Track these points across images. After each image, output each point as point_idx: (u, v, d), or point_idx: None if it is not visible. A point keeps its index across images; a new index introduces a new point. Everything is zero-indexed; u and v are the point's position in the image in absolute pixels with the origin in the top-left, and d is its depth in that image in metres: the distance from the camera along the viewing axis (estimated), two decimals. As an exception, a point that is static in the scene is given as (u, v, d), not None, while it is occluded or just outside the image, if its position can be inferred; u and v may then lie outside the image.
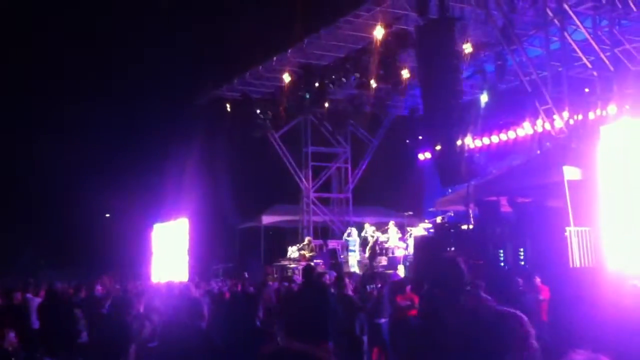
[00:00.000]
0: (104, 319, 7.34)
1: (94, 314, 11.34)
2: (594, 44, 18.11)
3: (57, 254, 32.13)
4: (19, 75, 30.66)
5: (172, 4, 28.19)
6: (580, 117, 17.84)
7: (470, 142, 19.58)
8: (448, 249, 16.93)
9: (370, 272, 19.46)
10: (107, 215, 37.43)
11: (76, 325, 11.22)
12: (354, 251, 22.80)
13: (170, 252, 27.74)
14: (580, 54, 18.19)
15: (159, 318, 7.34)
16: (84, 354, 8.93)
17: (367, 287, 13.56)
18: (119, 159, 32.00)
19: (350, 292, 11.73)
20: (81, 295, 13.76)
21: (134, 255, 29.30)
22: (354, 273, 20.67)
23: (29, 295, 13.38)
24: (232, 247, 29.34)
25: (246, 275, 23.00)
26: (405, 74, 21.00)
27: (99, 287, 15.99)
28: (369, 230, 22.72)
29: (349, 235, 23.41)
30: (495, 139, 24.35)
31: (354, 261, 22.63)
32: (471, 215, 17.70)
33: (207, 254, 27.14)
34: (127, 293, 13.04)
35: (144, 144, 31.17)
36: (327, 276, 11.84)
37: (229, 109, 26.78)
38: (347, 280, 12.86)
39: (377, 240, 22.11)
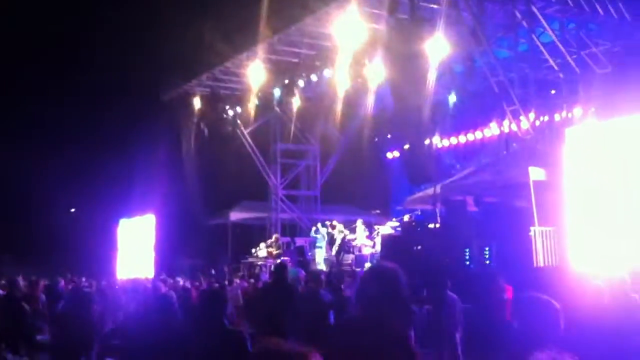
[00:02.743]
0: (65, 316, 7.21)
1: (55, 310, 11.16)
2: (560, 46, 18.36)
3: (21, 249, 31.59)
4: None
5: (140, -2, 27.90)
6: (546, 118, 18.11)
7: (438, 141, 19.78)
8: (415, 248, 17.05)
9: (337, 269, 19.50)
10: (72, 210, 36.94)
11: (36, 321, 11.03)
12: (321, 248, 22.80)
13: (136, 248, 27.50)
14: (548, 56, 18.42)
15: (123, 315, 7.26)
16: (47, 350, 8.79)
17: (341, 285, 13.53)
18: (84, 153, 31.55)
19: (321, 290, 11.71)
20: (42, 290, 13.53)
21: (100, 250, 28.94)
22: (321, 270, 20.67)
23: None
24: (199, 244, 29.13)
25: (213, 272, 22.89)
26: (375, 73, 21.03)
27: (62, 283, 15.78)
28: (338, 227, 22.74)
29: (316, 232, 23.39)
30: (462, 139, 24.62)
31: (320, 258, 22.63)
32: (438, 214, 17.83)
33: (173, 250, 26.94)
34: (89, 289, 12.87)
35: (110, 139, 30.81)
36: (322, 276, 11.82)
37: (197, 105, 26.61)
38: (322, 277, 12.86)
39: (344, 238, 22.14)
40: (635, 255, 11.09)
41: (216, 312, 5.36)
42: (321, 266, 21.79)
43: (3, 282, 14.10)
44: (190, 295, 13.73)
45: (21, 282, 13.24)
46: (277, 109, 26.71)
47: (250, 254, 24.33)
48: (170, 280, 16.94)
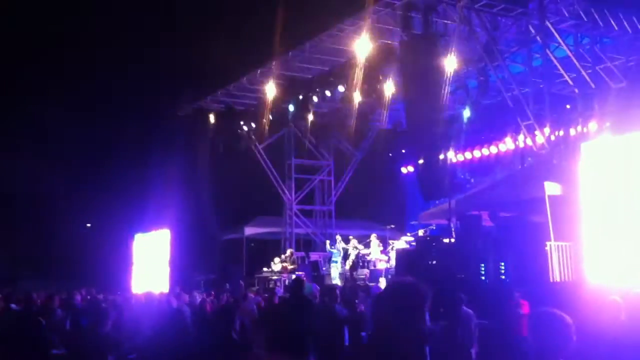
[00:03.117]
0: (80, 330, 7.25)
1: (72, 324, 11.22)
2: (575, 61, 18.32)
3: (37, 264, 31.78)
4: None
5: (156, 15, 28.18)
6: (561, 133, 18.04)
7: (452, 156, 19.71)
8: (430, 262, 16.98)
9: (351, 284, 19.44)
10: (88, 225, 37.14)
11: (51, 335, 11.09)
12: (336, 262, 22.78)
13: (151, 262, 27.55)
14: (562, 71, 18.39)
15: (138, 330, 7.29)
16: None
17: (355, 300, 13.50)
18: (100, 168, 31.78)
19: (336, 305, 11.68)
20: (57, 305, 13.60)
21: (115, 265, 29.03)
22: (336, 285, 20.64)
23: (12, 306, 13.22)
24: (214, 259, 29.17)
25: (227, 287, 22.88)
26: (389, 88, 21.09)
27: (78, 297, 15.82)
28: (352, 242, 22.72)
29: (332, 246, 23.38)
30: (477, 153, 24.56)
31: (335, 273, 22.61)
32: (453, 229, 17.77)
33: (188, 265, 26.98)
34: (104, 304, 12.92)
35: (126, 154, 31.01)
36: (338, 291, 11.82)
37: (212, 121, 26.76)
38: (337, 292, 12.84)
39: (358, 253, 22.12)
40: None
41: (225, 327, 5.40)
42: (336, 281, 21.78)
43: (19, 296, 14.17)
44: (205, 310, 13.74)
45: (36, 296, 13.36)
46: (291, 124, 26.82)
47: (265, 269, 24.34)
48: (186, 295, 16.96)
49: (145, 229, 28.45)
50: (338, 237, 23.50)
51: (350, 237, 23.31)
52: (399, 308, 3.29)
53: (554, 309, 3.62)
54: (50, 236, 31.62)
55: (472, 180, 20.30)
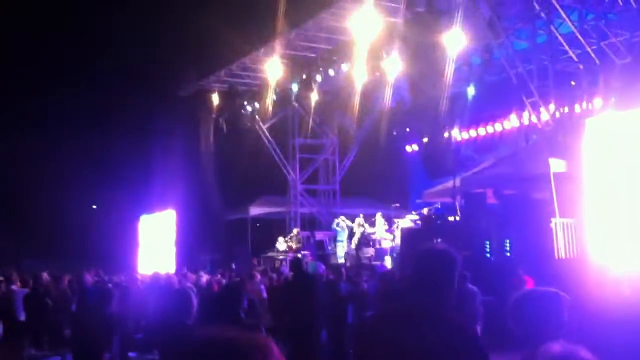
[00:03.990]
0: (87, 311, 7.32)
1: (79, 305, 11.32)
2: (580, 37, 18.18)
3: (42, 245, 31.96)
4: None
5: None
6: (566, 110, 17.94)
7: (457, 134, 19.72)
8: (435, 241, 17.02)
9: (355, 263, 19.53)
10: (94, 206, 37.27)
11: (60, 316, 11.19)
12: (342, 241, 22.84)
13: (157, 243, 27.70)
14: (567, 47, 18.26)
15: (143, 311, 7.35)
16: (68, 344, 8.92)
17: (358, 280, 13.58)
18: (104, 150, 31.85)
19: (342, 283, 11.76)
20: (65, 285, 13.71)
21: (121, 246, 29.20)
22: (342, 264, 20.73)
23: (14, 287, 13.31)
24: (219, 239, 29.29)
25: (233, 267, 23.00)
26: (392, 66, 21.00)
27: (88, 278, 15.89)
28: (357, 220, 22.76)
29: (337, 225, 23.42)
30: (482, 131, 24.48)
31: (341, 252, 22.68)
32: (457, 207, 17.80)
33: (194, 245, 27.11)
34: (110, 284, 13.01)
35: (129, 135, 31.02)
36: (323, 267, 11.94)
37: (215, 101, 26.73)
38: (342, 270, 12.93)
39: (364, 231, 22.16)
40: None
41: (233, 306, 5.42)
42: (342, 260, 21.86)
43: (25, 277, 14.27)
44: (212, 289, 13.83)
45: (45, 277, 13.45)
46: (295, 103, 26.77)
47: (271, 249, 24.42)
48: (193, 275, 17.06)
49: (150, 210, 28.58)
50: (342, 217, 23.53)
51: (359, 215, 23.37)
52: (443, 273, 3.27)
53: (544, 288, 3.54)
54: (56, 217, 31.73)
55: (476, 157, 20.27)
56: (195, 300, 5.48)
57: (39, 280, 12.51)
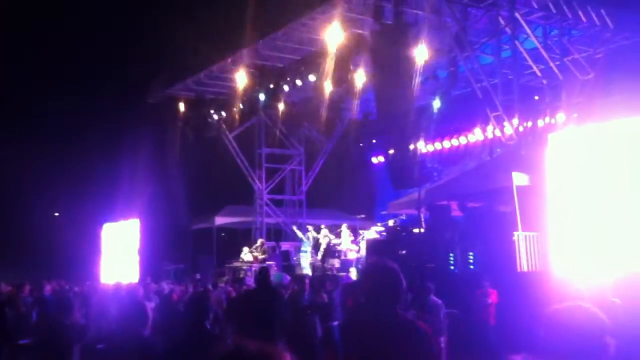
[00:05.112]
0: (46, 320, 7.19)
1: (39, 315, 11.11)
2: (544, 52, 18.51)
3: (4, 254, 31.36)
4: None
5: (127, 2, 27.84)
6: (529, 124, 18.23)
7: (422, 146, 19.87)
8: (399, 252, 17.10)
9: (320, 274, 19.49)
10: (56, 213, 36.71)
11: (19, 325, 10.97)
12: (306, 252, 22.80)
13: (120, 252, 27.35)
14: (531, 63, 18.57)
15: (105, 320, 7.23)
16: (27, 354, 8.75)
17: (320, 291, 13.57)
18: (68, 157, 31.40)
19: (306, 295, 11.73)
20: (26, 295, 13.45)
21: (83, 255, 28.77)
22: (306, 275, 20.68)
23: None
24: (184, 248, 29.06)
25: (198, 277, 22.80)
26: (360, 77, 21.11)
27: (48, 288, 15.64)
28: (322, 231, 22.75)
29: (303, 233, 23.35)
30: (447, 144, 24.74)
31: (305, 263, 22.64)
32: (422, 219, 17.90)
33: (158, 254, 26.84)
34: (68, 293, 12.80)
35: (94, 142, 30.66)
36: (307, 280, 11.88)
37: (182, 109, 26.55)
38: (306, 281, 12.88)
39: (329, 242, 22.15)
40: (617, 260, 11.19)
41: (198, 316, 5.38)
42: (307, 270, 21.80)
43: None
44: (172, 299, 13.67)
45: (3, 286, 13.18)
46: (262, 113, 26.73)
47: (236, 259, 24.28)
48: (154, 286, 16.87)
49: (114, 218, 28.22)
50: (310, 227, 23.50)
51: (322, 226, 23.35)
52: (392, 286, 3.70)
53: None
54: (17, 224, 31.19)
55: (439, 167, 20.43)
56: (150, 311, 5.43)
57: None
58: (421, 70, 18.42)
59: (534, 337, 3.58)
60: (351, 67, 20.54)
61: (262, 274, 10.31)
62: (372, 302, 3.67)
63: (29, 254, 30.04)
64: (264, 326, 9.24)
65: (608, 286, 7.46)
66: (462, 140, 24.13)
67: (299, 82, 22.51)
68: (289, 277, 18.47)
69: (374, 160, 28.51)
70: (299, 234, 23.77)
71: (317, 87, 22.16)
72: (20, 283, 14.71)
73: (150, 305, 6.06)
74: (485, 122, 20.29)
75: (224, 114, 26.06)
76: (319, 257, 22.22)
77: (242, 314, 10.17)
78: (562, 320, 3.60)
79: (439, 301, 11.52)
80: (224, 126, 26.70)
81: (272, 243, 26.45)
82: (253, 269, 22.17)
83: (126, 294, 11.11)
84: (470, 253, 15.63)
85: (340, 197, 28.62)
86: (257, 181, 28.72)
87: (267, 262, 21.74)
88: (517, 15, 17.92)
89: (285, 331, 9.57)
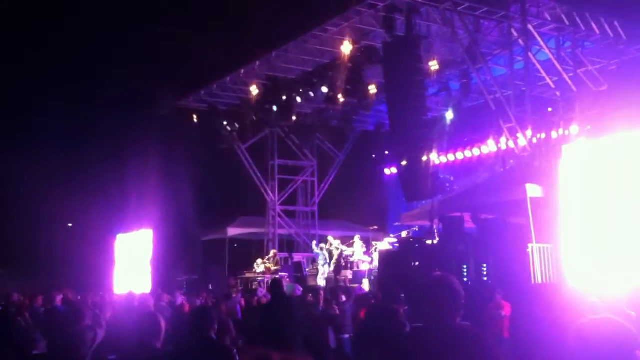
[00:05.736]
0: (58, 330, 7.21)
1: (52, 324, 11.13)
2: (557, 64, 18.46)
3: (18, 264, 31.51)
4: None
5: (138, 13, 28.00)
6: (543, 136, 18.15)
7: (435, 158, 19.79)
8: (412, 264, 17.03)
9: (332, 285, 19.45)
10: (70, 224, 36.86)
11: (32, 335, 11.00)
12: (323, 266, 22.78)
13: (133, 263, 27.42)
14: (544, 74, 18.52)
15: (117, 331, 7.24)
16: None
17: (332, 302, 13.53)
18: (82, 168, 31.54)
19: (321, 306, 11.72)
20: (39, 305, 13.51)
21: (97, 266, 28.87)
22: (321, 286, 20.65)
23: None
24: (196, 259, 29.06)
25: (210, 288, 22.81)
26: (372, 89, 21.14)
27: (58, 298, 15.68)
28: (334, 243, 22.73)
29: (317, 247, 23.32)
30: (460, 155, 24.67)
31: (320, 276, 22.62)
32: (435, 231, 17.84)
33: (171, 265, 26.85)
34: (80, 303, 12.82)
35: (108, 154, 30.79)
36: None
37: (195, 120, 26.64)
38: (321, 292, 12.87)
39: (341, 254, 22.12)
40: (631, 272, 11.09)
41: (203, 327, 5.38)
42: (321, 282, 21.78)
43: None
44: (184, 311, 13.67)
45: (16, 297, 13.24)
46: (274, 124, 26.77)
47: (248, 270, 24.28)
48: (168, 296, 16.88)
49: (127, 229, 28.31)
50: (323, 245, 23.44)
51: (329, 237, 23.30)
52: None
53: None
54: (31, 236, 31.33)
55: (452, 179, 20.37)
56: (163, 323, 5.43)
57: (9, 300, 12.31)
58: (433, 82, 18.41)
59: (550, 349, 3.56)
60: (363, 79, 20.58)
61: (276, 285, 10.30)
62: (433, 314, 3.83)
63: (43, 265, 30.18)
64: (280, 337, 9.22)
65: (623, 298, 7.41)
66: (475, 151, 24.05)
67: (311, 94, 22.55)
68: (301, 288, 18.49)
69: (387, 171, 28.47)
70: (315, 248, 23.75)
71: (330, 99, 22.20)
72: (33, 293, 14.79)
73: (166, 315, 6.06)
74: (499, 133, 20.22)
75: (236, 125, 26.13)
76: (332, 268, 22.20)
77: (258, 325, 10.16)
78: (593, 333, 3.59)
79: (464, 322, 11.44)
80: (236, 137, 26.76)
81: (285, 254, 26.44)
82: (265, 280, 22.17)
83: (138, 304, 11.11)
84: (484, 265, 15.54)
85: (352, 209, 28.57)
86: (269, 192, 28.74)
87: (280, 274, 21.74)
88: (529, 27, 17.89)
89: (301, 342, 9.56)
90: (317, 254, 23.11)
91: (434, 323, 3.79)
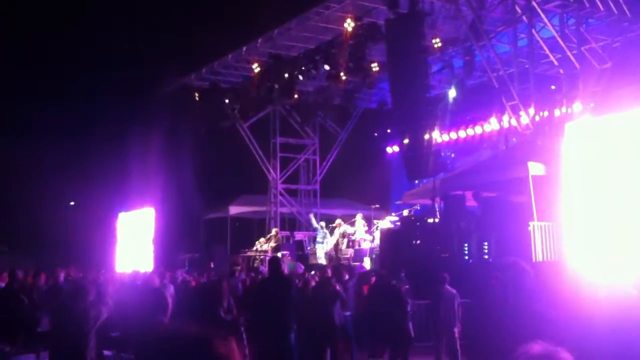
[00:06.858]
0: (61, 308, 7.24)
1: (55, 302, 11.19)
2: (561, 42, 18.33)
3: (20, 243, 31.62)
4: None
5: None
6: (546, 113, 18.07)
7: (437, 136, 19.76)
8: (414, 242, 17.08)
9: (335, 264, 19.52)
10: (72, 203, 36.92)
11: (36, 313, 11.07)
12: (322, 243, 22.81)
13: (135, 241, 27.49)
14: (547, 52, 18.40)
15: (121, 308, 7.27)
16: (43, 342, 8.82)
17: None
18: (83, 146, 31.55)
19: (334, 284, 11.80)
20: (42, 283, 13.58)
21: (99, 244, 28.94)
22: (320, 264, 20.71)
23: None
24: (198, 237, 29.15)
25: (212, 266, 22.88)
26: (375, 67, 21.03)
27: (62, 275, 15.76)
28: (337, 220, 22.75)
29: (318, 223, 23.33)
30: (462, 133, 24.59)
31: (321, 253, 22.66)
32: (437, 209, 17.85)
33: (173, 243, 26.92)
34: (83, 280, 12.88)
35: (109, 132, 30.76)
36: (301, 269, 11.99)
37: (197, 98, 26.58)
38: (328, 271, 12.95)
39: (343, 232, 22.14)
40: (632, 252, 11.09)
41: (211, 304, 5.39)
42: (322, 260, 21.82)
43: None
44: (189, 287, 13.75)
45: (20, 274, 13.30)
46: (276, 102, 26.70)
47: (250, 248, 24.34)
48: (169, 274, 16.95)
49: (129, 207, 28.34)
50: (323, 222, 23.46)
51: (338, 219, 23.31)
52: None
53: None
54: (33, 215, 31.42)
55: (453, 156, 20.35)
56: (170, 299, 5.44)
57: (14, 278, 12.36)
58: (436, 60, 18.31)
59: (551, 326, 3.55)
60: (366, 57, 20.48)
61: (273, 262, 10.38)
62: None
63: (45, 244, 30.26)
64: (275, 312, 9.30)
65: (627, 278, 7.41)
66: (478, 129, 23.96)
67: (313, 72, 22.46)
68: (302, 267, 18.54)
69: (389, 149, 28.42)
70: (314, 222, 23.78)
71: (332, 77, 22.11)
72: (37, 271, 14.86)
73: (170, 292, 6.07)
74: (501, 111, 20.14)
75: (238, 103, 26.05)
76: (333, 246, 22.23)
77: (255, 301, 10.24)
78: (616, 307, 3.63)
79: (454, 291, 11.50)
80: (238, 115, 26.69)
81: (287, 233, 26.48)
82: (267, 258, 22.23)
83: (142, 282, 11.18)
84: (485, 243, 15.58)
85: (354, 187, 28.56)
86: (271, 171, 28.73)
87: (282, 252, 21.79)
88: (533, 3, 17.75)
89: (295, 317, 9.64)
90: (317, 230, 23.11)
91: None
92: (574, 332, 4.74)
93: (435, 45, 19.71)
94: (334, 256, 21.83)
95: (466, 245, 15.97)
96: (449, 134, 24.72)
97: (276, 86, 24.00)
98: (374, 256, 20.13)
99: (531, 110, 17.47)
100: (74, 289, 7.46)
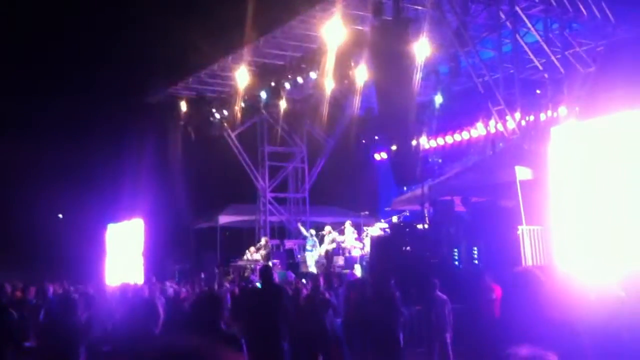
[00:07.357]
0: (51, 322, 7.19)
1: (45, 316, 11.12)
2: (545, 46, 18.47)
3: (8, 255, 31.38)
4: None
5: (128, 1, 27.83)
6: (531, 118, 18.19)
7: (425, 142, 19.88)
8: (404, 248, 17.09)
9: (326, 271, 19.50)
10: (60, 215, 36.73)
11: (24, 327, 10.97)
12: (311, 251, 22.80)
13: (125, 253, 27.38)
14: (532, 56, 18.54)
15: (111, 321, 7.24)
16: (32, 357, 8.75)
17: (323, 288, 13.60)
18: (71, 158, 31.39)
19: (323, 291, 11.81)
20: (32, 297, 13.48)
21: (88, 256, 28.79)
22: (311, 273, 20.69)
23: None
24: (188, 248, 29.05)
25: (202, 276, 22.81)
26: (361, 74, 21.09)
27: (51, 289, 15.64)
28: (326, 229, 22.75)
29: (311, 235, 23.30)
30: (449, 139, 24.70)
31: (311, 261, 22.65)
32: (426, 215, 17.89)
33: (162, 254, 26.83)
34: (76, 295, 12.80)
35: (97, 143, 30.67)
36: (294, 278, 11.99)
37: (184, 108, 26.55)
38: (321, 280, 12.96)
39: (333, 240, 22.14)
40: (620, 255, 11.16)
41: (212, 316, 5.34)
42: (312, 269, 21.81)
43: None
44: (179, 299, 13.70)
45: (8, 288, 13.18)
46: (263, 111, 26.72)
47: (240, 257, 24.30)
48: (159, 285, 16.89)
49: (118, 218, 28.24)
50: (313, 230, 23.47)
51: (327, 227, 23.30)
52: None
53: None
54: (21, 226, 31.21)
55: (440, 161, 20.41)
56: (161, 310, 5.42)
57: (2, 291, 12.26)
58: (422, 66, 18.39)
59: (539, 330, 3.58)
60: (352, 64, 20.53)
61: (265, 271, 10.38)
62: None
63: (34, 256, 30.06)
64: (266, 323, 9.29)
65: (614, 280, 7.45)
66: (465, 135, 24.08)
67: (300, 80, 22.51)
68: (293, 275, 18.53)
69: (377, 156, 28.48)
70: (303, 231, 23.77)
71: (319, 84, 22.17)
72: (26, 285, 14.75)
73: (161, 302, 6.04)
74: (488, 116, 20.26)
75: (225, 112, 26.06)
76: (323, 254, 22.22)
77: (245, 311, 10.22)
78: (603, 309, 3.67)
79: (445, 297, 11.52)
80: (225, 125, 26.69)
81: (276, 241, 26.45)
82: (258, 267, 22.19)
83: (132, 294, 11.14)
84: (475, 248, 15.62)
85: (343, 194, 28.58)
86: (260, 179, 28.72)
87: (272, 261, 21.76)
88: (517, 9, 17.89)
89: (288, 326, 9.63)
90: (306, 238, 23.10)
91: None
92: (564, 334, 4.77)
93: (421, 52, 19.80)
94: (325, 264, 21.82)
95: (456, 250, 16.00)
96: (436, 140, 24.84)
97: (263, 95, 24.02)
98: (364, 263, 20.13)
99: (517, 115, 17.58)
100: (64, 303, 7.42)
